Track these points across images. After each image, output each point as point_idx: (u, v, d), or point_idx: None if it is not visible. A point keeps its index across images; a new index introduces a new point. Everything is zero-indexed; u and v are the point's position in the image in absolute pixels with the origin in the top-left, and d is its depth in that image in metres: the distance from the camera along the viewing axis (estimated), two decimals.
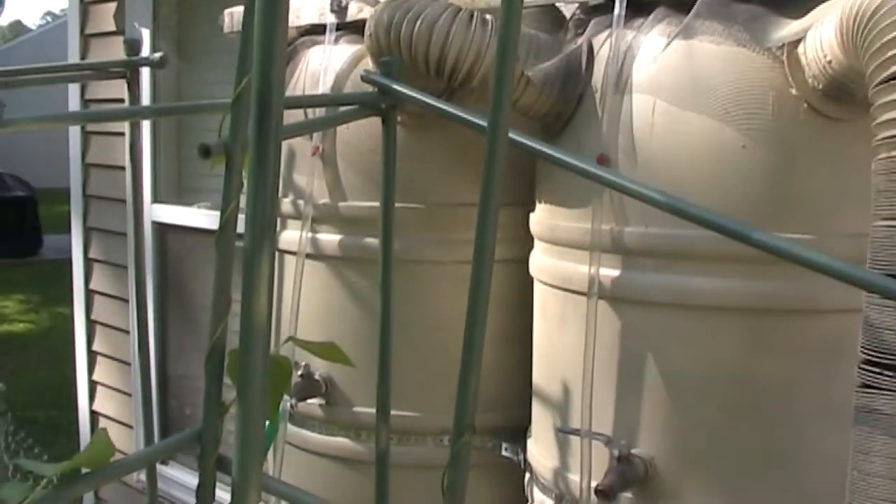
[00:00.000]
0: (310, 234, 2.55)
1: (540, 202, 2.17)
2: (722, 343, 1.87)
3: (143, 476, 4.22)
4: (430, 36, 2.00)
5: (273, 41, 0.83)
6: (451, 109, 1.68)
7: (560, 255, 2.08)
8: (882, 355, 1.47)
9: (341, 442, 2.57)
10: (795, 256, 1.30)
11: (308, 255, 2.56)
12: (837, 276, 1.27)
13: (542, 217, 2.16)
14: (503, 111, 1.06)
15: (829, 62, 1.72)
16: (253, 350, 0.88)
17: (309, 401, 2.56)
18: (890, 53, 1.55)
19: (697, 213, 1.37)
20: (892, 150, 1.53)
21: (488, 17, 2.02)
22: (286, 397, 2.51)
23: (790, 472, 1.88)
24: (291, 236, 2.60)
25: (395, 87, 1.84)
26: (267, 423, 1.87)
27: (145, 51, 4.57)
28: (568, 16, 2.26)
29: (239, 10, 2.83)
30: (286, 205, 2.63)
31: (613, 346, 1.95)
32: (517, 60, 1.99)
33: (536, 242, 2.20)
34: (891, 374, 1.47)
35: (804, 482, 1.88)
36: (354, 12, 2.50)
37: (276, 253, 2.71)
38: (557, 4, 2.23)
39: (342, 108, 1.82)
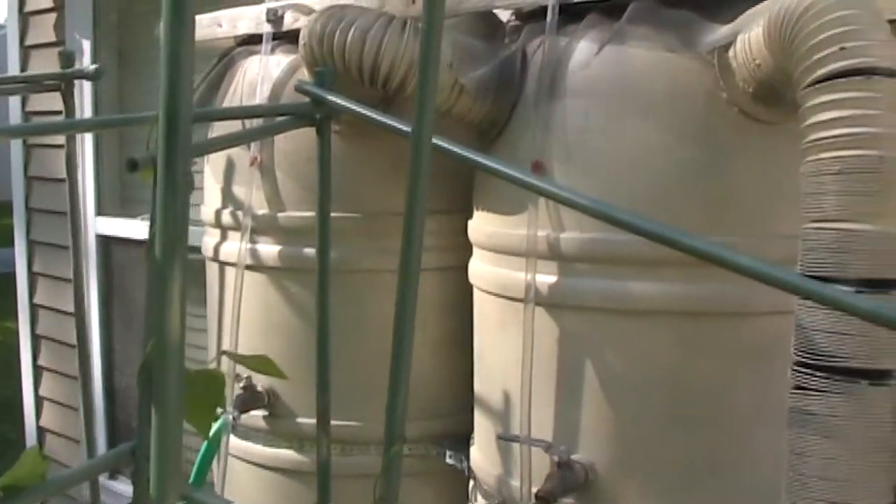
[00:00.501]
0: (249, 246, 2.54)
1: (477, 209, 2.18)
2: (659, 347, 1.88)
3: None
4: (363, 45, 1.99)
5: (179, 54, 0.82)
6: (380, 118, 1.68)
7: (497, 262, 2.08)
8: (813, 357, 1.49)
9: (285, 453, 2.56)
10: (723, 260, 1.30)
11: (248, 267, 2.54)
12: (764, 280, 1.27)
13: (479, 224, 2.17)
14: (426, 118, 1.05)
15: (759, 65, 1.73)
16: (167, 367, 0.87)
17: (252, 413, 2.55)
18: (816, 56, 1.56)
19: (626, 219, 1.37)
20: (820, 152, 1.54)
21: (421, 25, 2.02)
22: (229, 409, 2.50)
23: (728, 475, 1.89)
24: (231, 248, 2.59)
25: (328, 97, 1.84)
26: (209, 436, 1.84)
27: (86, 61, 4.53)
28: (503, 22, 2.27)
29: None
30: (225, 216, 2.62)
31: (552, 352, 1.95)
32: (451, 68, 1.99)
33: (475, 249, 2.20)
34: (822, 375, 1.48)
35: (742, 484, 1.89)
36: (290, 22, 2.49)
37: (217, 265, 2.70)
38: (494, 11, 2.22)
39: (278, 119, 1.81)
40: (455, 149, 1.56)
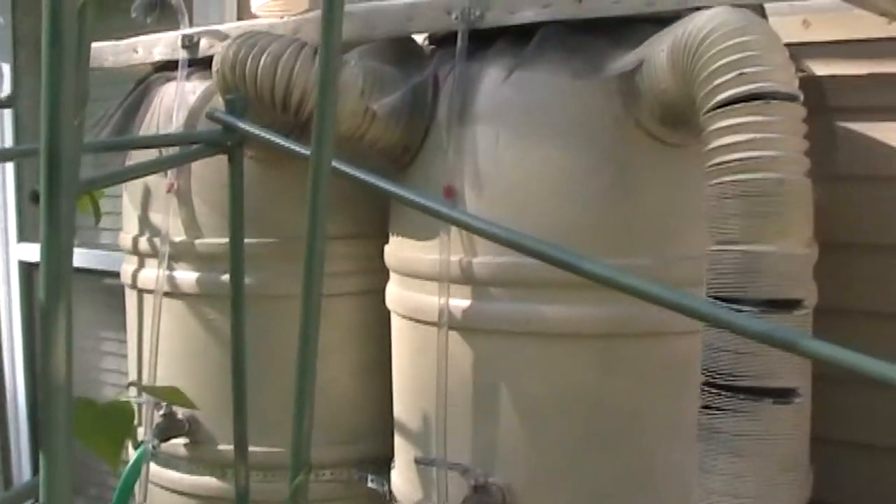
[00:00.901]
0: (167, 272, 2.52)
1: (392, 234, 2.18)
2: (574, 369, 1.90)
3: None
4: (274, 72, 2.00)
5: (59, 88, 0.82)
6: (287, 144, 1.68)
7: (412, 287, 2.09)
8: (720, 376, 1.51)
9: (207, 481, 2.54)
10: (621, 285, 1.32)
11: (166, 294, 2.53)
12: (663, 304, 1.29)
13: (394, 249, 2.17)
14: (326, 143, 1.06)
15: (664, 90, 1.75)
16: (53, 410, 0.87)
17: (172, 440, 2.53)
18: (717, 81, 1.59)
19: (531, 245, 1.39)
20: (722, 175, 1.57)
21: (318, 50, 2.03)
22: (148, 438, 2.48)
23: (644, 493, 1.91)
24: (149, 275, 2.57)
25: (239, 124, 1.84)
26: (118, 468, 1.83)
27: (6, 87, 4.49)
28: (419, 45, 2.28)
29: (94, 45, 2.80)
30: (143, 243, 2.61)
31: (467, 376, 1.96)
32: (362, 95, 2.00)
33: (391, 274, 2.21)
34: (728, 394, 1.51)
35: (658, 502, 1.91)
36: (206, 48, 2.49)
37: (136, 292, 2.68)
38: (409, 35, 2.24)
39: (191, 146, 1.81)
40: (359, 174, 1.57)
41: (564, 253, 1.36)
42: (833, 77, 2.39)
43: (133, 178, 2.23)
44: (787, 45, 2.10)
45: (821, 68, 2.34)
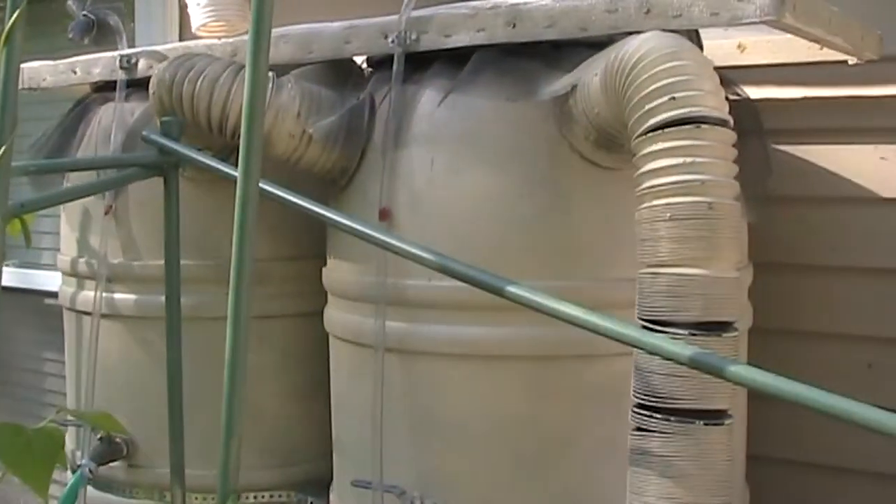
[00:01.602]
0: (105, 294, 2.51)
1: (330, 256, 2.18)
2: (508, 391, 1.90)
3: None
4: (211, 94, 2.00)
5: None
6: (219, 166, 1.69)
7: (348, 309, 2.09)
8: (651, 398, 1.52)
9: None
10: (553, 311, 1.34)
11: (104, 316, 2.52)
12: (594, 330, 1.31)
13: (331, 271, 2.17)
14: (253, 167, 1.07)
15: (597, 113, 1.77)
16: None
17: (111, 464, 2.51)
18: (648, 106, 1.61)
19: (460, 270, 1.40)
20: (653, 199, 1.58)
21: (271, 74, 2.03)
22: (85, 461, 2.45)
23: None
24: (87, 297, 2.55)
25: (173, 146, 1.84)
26: (47, 494, 1.82)
27: None
28: (356, 66, 2.29)
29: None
30: (81, 264, 2.59)
31: (403, 398, 1.97)
32: (299, 117, 2.00)
33: (329, 296, 2.20)
34: (660, 416, 1.52)
35: None
36: (144, 69, 2.48)
37: (74, 314, 2.66)
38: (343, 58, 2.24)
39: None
40: (289, 197, 1.58)
41: (492, 278, 1.38)
42: (768, 100, 2.43)
43: (66, 202, 2.21)
44: (723, 68, 2.13)
45: (756, 91, 2.37)
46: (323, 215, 1.58)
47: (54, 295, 2.86)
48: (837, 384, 2.39)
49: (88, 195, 2.32)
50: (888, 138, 2.41)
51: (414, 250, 1.45)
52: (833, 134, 2.47)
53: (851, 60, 2.20)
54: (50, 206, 1.75)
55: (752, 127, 2.21)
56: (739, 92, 2.23)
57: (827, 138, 2.48)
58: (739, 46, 2.35)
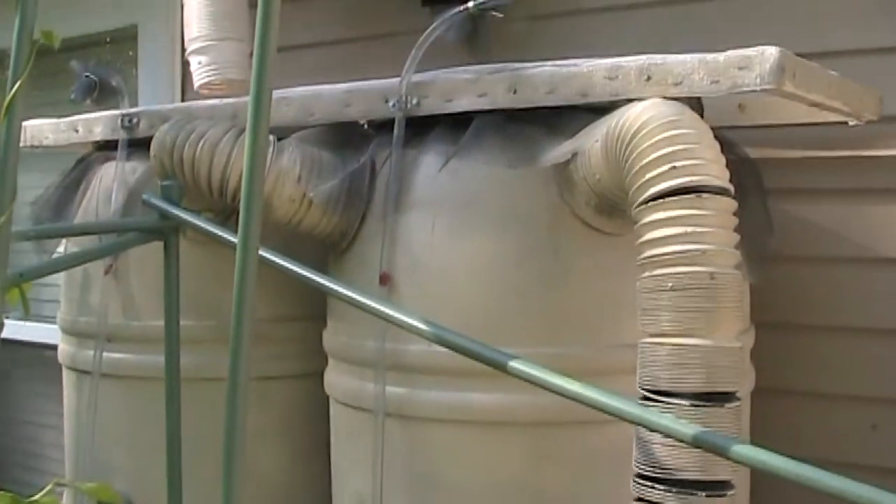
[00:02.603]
0: (105, 354, 2.50)
1: (330, 318, 2.18)
2: (508, 456, 1.89)
3: None
4: (211, 158, 2.00)
5: None
6: (220, 233, 1.69)
7: (349, 373, 2.08)
8: (653, 469, 1.51)
9: None
10: (553, 386, 1.33)
11: (104, 375, 2.50)
12: (594, 405, 1.30)
13: (331, 333, 2.17)
14: (252, 234, 1.06)
15: (599, 180, 1.77)
16: None
17: None
18: (649, 175, 1.61)
19: (459, 343, 1.40)
20: (654, 268, 1.58)
21: (271, 137, 2.03)
22: None
23: None
24: (86, 356, 2.55)
25: (173, 211, 1.84)
26: None
27: None
28: (357, 125, 2.29)
29: None
30: (81, 324, 2.58)
31: (403, 462, 1.95)
32: (299, 182, 2.00)
33: (329, 359, 2.20)
34: (662, 488, 1.50)
35: None
36: (145, 129, 2.48)
37: (74, 373, 2.65)
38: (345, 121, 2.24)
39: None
40: (289, 266, 1.58)
41: (492, 352, 1.37)
42: (769, 160, 2.43)
43: (65, 269, 2.21)
44: (724, 128, 2.14)
45: (757, 151, 2.38)
46: (322, 284, 1.58)
47: (54, 347, 2.85)
48: (842, 446, 2.40)
49: (88, 261, 2.32)
50: (890, 198, 2.41)
51: (413, 322, 1.45)
52: (834, 194, 2.48)
53: (852, 121, 2.20)
54: (50, 273, 1.75)
55: (754, 187, 2.21)
56: (740, 152, 2.23)
57: (828, 198, 2.48)
58: (740, 106, 2.35)
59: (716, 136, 1.98)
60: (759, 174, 2.25)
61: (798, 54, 1.77)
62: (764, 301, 2.27)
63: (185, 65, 2.90)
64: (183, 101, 3.65)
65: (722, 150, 1.75)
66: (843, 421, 2.46)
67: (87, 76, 2.56)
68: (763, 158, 2.39)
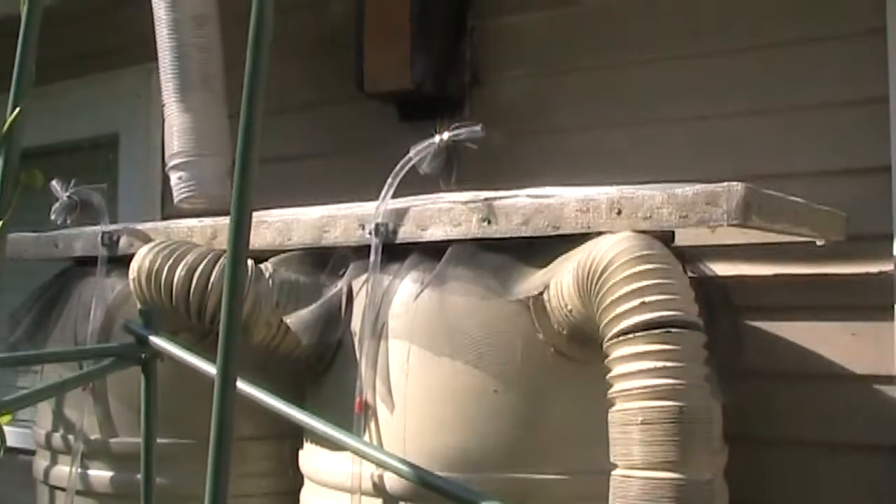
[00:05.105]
0: (80, 470, 2.50)
1: (306, 440, 2.19)
2: None
3: None
4: (190, 283, 2.02)
5: None
6: (197, 363, 1.72)
7: (324, 496, 2.08)
8: None
9: None
10: None
11: (78, 492, 2.50)
12: None
13: (307, 455, 2.17)
14: (231, 365, 1.08)
15: (570, 311, 1.80)
16: None
17: None
18: (619, 310, 1.64)
19: (442, 486, 1.41)
20: (625, 402, 1.61)
21: (250, 262, 2.06)
22: None
23: None
24: (62, 472, 2.54)
25: (151, 338, 1.86)
26: None
27: None
28: (331, 254, 2.31)
29: None
30: (56, 439, 2.58)
31: None
32: (277, 307, 2.03)
33: (305, 480, 2.20)
34: None
35: None
36: (125, 246, 2.51)
37: (48, 488, 2.64)
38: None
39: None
40: (266, 400, 1.60)
41: (467, 492, 1.39)
42: (739, 277, 2.47)
43: (44, 399, 2.22)
44: (694, 247, 2.18)
45: (727, 268, 2.42)
46: (298, 419, 1.60)
47: (30, 452, 2.82)
48: None
49: (67, 390, 2.33)
50: (858, 315, 2.45)
51: (388, 460, 1.47)
52: (804, 311, 2.51)
53: (819, 241, 2.24)
54: (28, 405, 1.76)
55: (722, 304, 2.25)
56: (708, 271, 2.27)
57: (798, 315, 2.51)
58: (710, 227, 2.39)
59: (685, 255, 2.02)
60: (727, 292, 2.29)
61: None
62: (736, 416, 2.29)
63: (166, 176, 2.93)
64: (163, 209, 3.69)
65: (692, 269, 1.78)
66: None
67: (69, 197, 2.59)
68: (733, 276, 2.43)
